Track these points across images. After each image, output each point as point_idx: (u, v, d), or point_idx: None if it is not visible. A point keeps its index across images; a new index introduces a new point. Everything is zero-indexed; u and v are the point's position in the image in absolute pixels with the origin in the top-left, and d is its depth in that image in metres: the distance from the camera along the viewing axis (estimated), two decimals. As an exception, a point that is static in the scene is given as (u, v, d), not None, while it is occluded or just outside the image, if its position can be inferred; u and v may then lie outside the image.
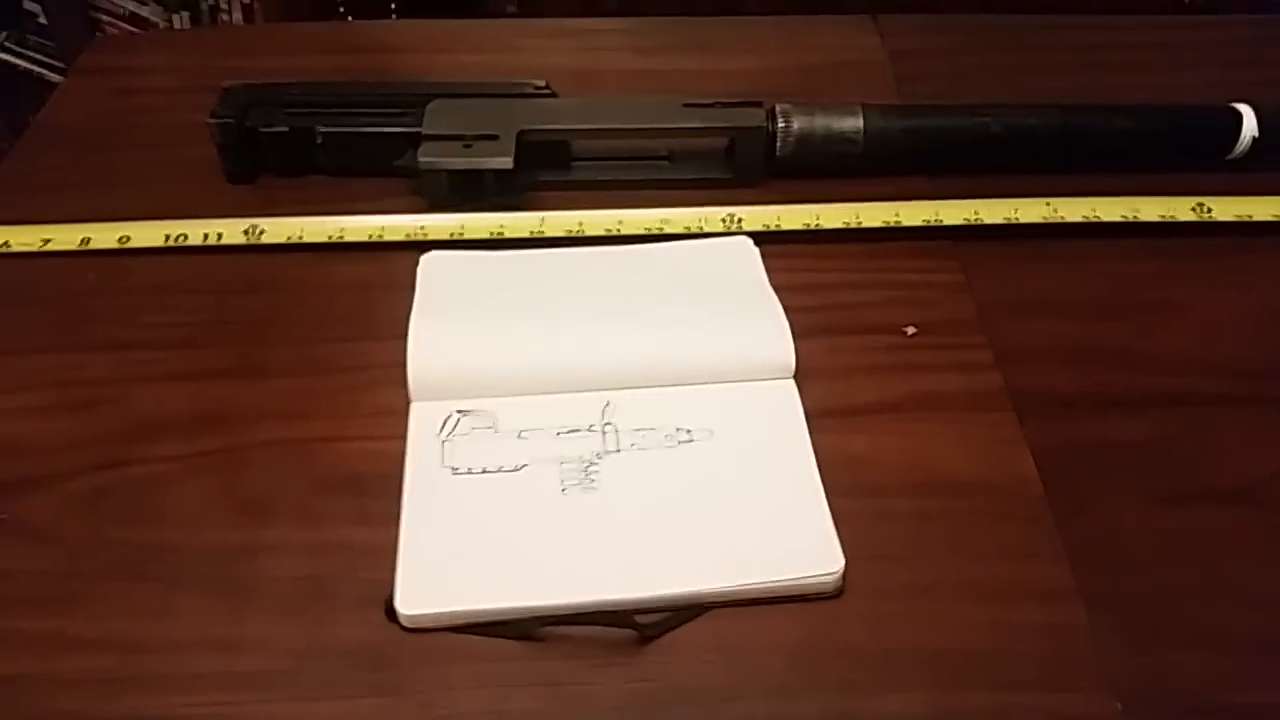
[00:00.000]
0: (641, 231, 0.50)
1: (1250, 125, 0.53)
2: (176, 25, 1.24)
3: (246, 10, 1.22)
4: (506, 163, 0.50)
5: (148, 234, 0.51)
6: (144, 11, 1.23)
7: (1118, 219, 0.50)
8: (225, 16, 1.23)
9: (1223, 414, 0.44)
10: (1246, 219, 0.51)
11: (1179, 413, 0.44)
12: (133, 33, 1.09)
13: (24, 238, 0.50)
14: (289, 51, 0.67)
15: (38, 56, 1.37)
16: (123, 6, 1.23)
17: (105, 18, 1.26)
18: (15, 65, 1.37)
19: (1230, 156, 0.54)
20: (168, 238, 0.50)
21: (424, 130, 0.51)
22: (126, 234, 0.51)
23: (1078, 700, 0.35)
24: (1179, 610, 0.37)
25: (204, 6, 1.24)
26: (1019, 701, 0.35)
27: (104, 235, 0.50)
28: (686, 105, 0.53)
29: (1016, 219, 0.50)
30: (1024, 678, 0.35)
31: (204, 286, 0.49)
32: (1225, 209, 0.51)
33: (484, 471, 0.40)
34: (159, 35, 0.67)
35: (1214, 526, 0.40)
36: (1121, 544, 0.39)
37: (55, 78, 1.28)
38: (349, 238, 0.50)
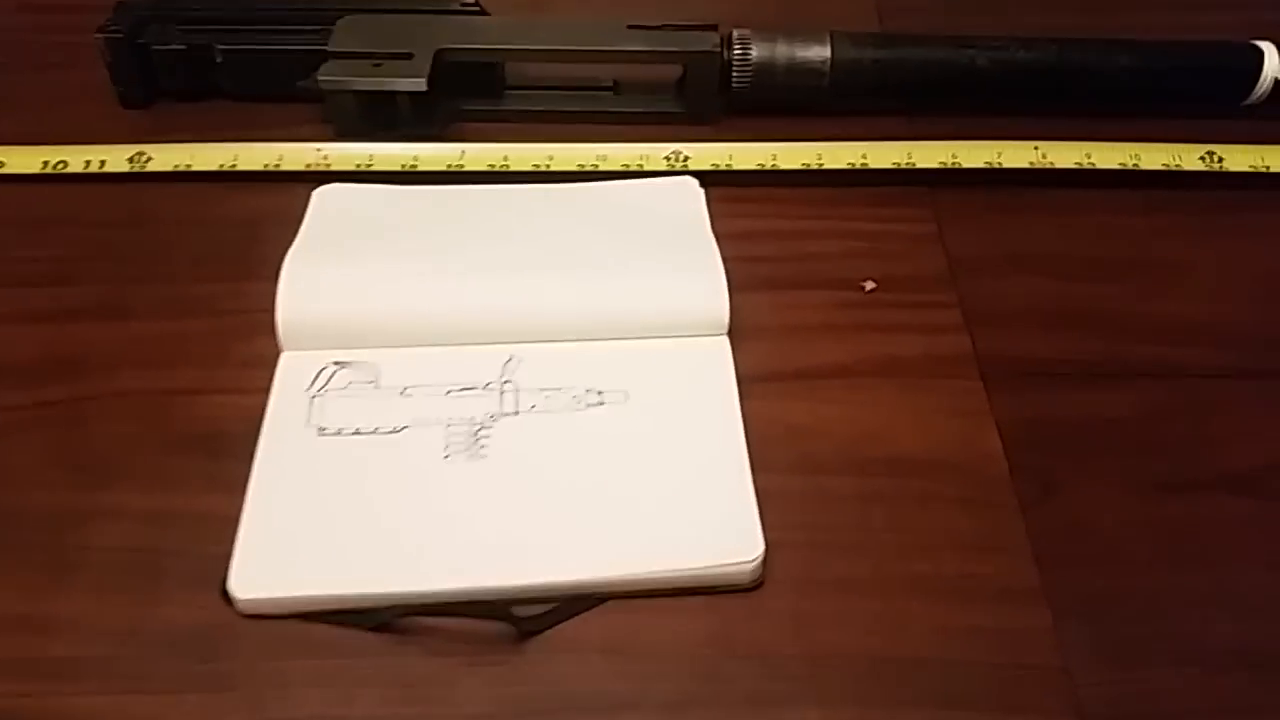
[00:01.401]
0: (574, 168, 0.45)
1: (1273, 64, 0.47)
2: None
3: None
4: (419, 84, 0.44)
5: (23, 160, 0.45)
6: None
7: (1115, 166, 0.44)
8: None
9: (1226, 389, 0.38)
10: (1263, 169, 0.44)
11: (1175, 387, 0.38)
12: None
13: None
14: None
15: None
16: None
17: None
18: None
19: (1248, 101, 0.48)
20: (45, 164, 0.45)
21: (330, 47, 0.45)
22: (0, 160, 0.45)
23: (1037, 723, 0.29)
24: (1161, 619, 0.31)
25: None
26: (966, 722, 0.29)
27: (-27, 161, 0.45)
28: (631, 27, 0.47)
29: (999, 163, 0.44)
30: (974, 693, 0.30)
31: (80, 218, 0.44)
32: (1238, 159, 0.45)
33: (356, 433, 0.34)
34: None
35: (1209, 520, 0.34)
36: (1098, 538, 0.33)
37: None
38: (242, 166, 0.45)
